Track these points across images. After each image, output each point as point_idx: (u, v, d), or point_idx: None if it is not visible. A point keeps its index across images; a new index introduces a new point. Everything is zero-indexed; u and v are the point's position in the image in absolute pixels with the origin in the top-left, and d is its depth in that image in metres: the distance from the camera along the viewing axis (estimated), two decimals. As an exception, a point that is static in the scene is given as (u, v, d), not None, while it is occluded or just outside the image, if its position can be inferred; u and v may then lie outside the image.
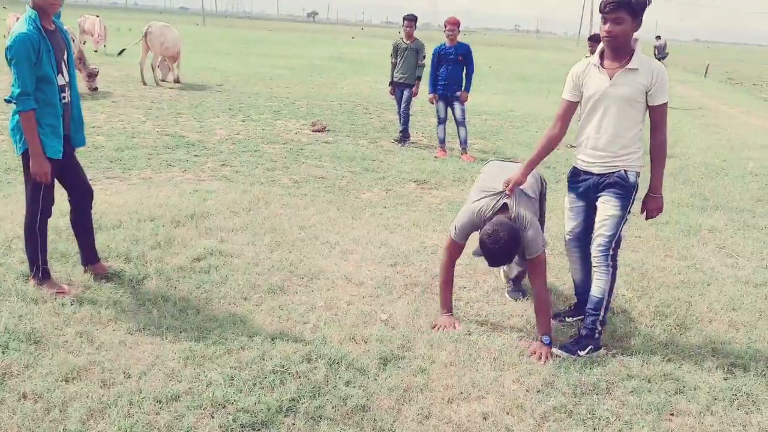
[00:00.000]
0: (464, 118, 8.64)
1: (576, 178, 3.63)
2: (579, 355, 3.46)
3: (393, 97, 9.82)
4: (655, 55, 24.62)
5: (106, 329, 3.49)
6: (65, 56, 3.75)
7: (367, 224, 5.56)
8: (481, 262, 3.68)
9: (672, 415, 3.03)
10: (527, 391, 3.14)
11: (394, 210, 6.07)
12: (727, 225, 6.08)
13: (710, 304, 4.25)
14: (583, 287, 3.81)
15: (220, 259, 4.53)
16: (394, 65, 9.51)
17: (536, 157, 3.67)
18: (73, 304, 3.68)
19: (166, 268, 4.29)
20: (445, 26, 8.58)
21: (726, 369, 3.41)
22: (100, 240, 4.56)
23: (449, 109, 8.74)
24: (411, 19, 9.34)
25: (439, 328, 3.67)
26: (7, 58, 3.51)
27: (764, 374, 3.38)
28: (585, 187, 3.56)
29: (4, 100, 3.61)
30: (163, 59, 14.52)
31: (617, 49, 3.33)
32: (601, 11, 3.31)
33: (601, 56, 3.41)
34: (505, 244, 3.34)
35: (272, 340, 3.43)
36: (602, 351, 3.52)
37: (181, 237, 4.87)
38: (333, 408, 2.89)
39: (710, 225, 6.02)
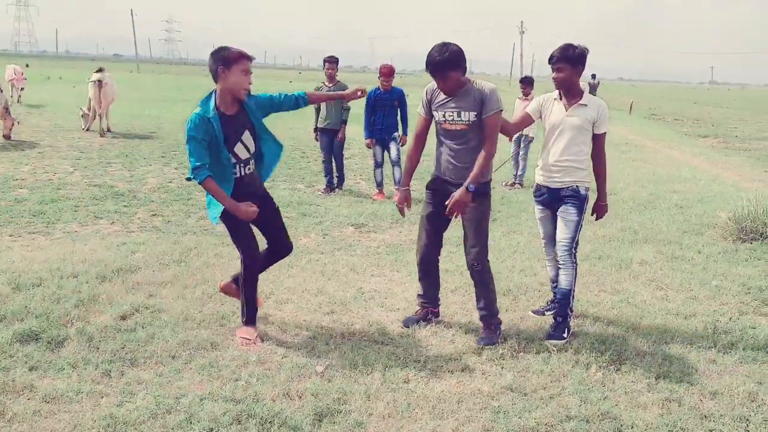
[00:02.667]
0: (399, 159, 8.63)
1: (538, 192, 4.47)
2: (564, 338, 4.18)
3: (318, 143, 9.26)
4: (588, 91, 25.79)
5: (20, 399, 3.25)
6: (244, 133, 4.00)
7: (303, 271, 5.45)
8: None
9: (611, 455, 3.01)
10: (467, 439, 3.07)
11: (332, 255, 5.98)
12: (656, 257, 6.25)
13: (643, 338, 4.31)
14: (556, 283, 4.49)
15: (148, 315, 4.33)
16: (317, 111, 9.02)
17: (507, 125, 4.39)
18: (-16, 373, 3.43)
19: (88, 328, 4.06)
20: (380, 74, 8.58)
21: (661, 405, 3.44)
22: (17, 300, 4.32)
23: (385, 152, 8.84)
24: (332, 62, 8.87)
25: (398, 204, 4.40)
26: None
27: (697, 408, 3.42)
28: (546, 199, 4.39)
29: (186, 178, 3.94)
30: (88, 108, 14.21)
31: (567, 90, 4.23)
32: (549, 62, 4.22)
33: (560, 94, 4.29)
34: (452, 53, 3.89)
35: (201, 400, 3.26)
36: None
37: (106, 293, 4.65)
38: (265, 471, 2.75)
39: (640, 258, 6.17)
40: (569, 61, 4.13)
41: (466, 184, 3.95)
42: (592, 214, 4.49)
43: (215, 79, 3.83)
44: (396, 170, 8.75)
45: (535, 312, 4.72)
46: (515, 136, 10.16)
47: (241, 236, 4.09)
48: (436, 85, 4.08)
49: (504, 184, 10.13)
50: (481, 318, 4.24)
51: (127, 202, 7.80)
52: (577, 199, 4.26)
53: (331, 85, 8.85)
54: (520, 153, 10.24)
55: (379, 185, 8.94)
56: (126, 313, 4.34)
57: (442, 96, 4.05)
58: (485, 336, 4.14)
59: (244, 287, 4.11)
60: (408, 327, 4.37)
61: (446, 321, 4.50)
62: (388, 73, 8.54)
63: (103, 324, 4.14)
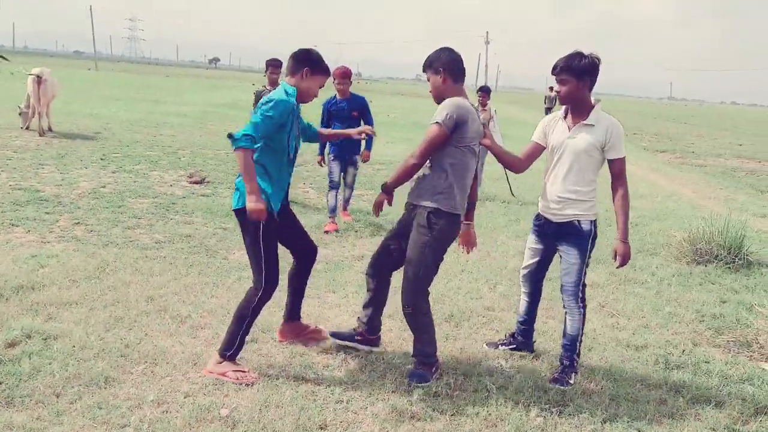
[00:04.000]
0: (354, 182, 7.68)
1: (538, 221, 3.96)
2: (571, 384, 3.74)
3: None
4: (545, 104, 25.78)
5: None
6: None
7: (229, 291, 4.98)
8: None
9: None
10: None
11: (264, 273, 5.52)
12: (609, 280, 5.95)
13: (591, 373, 3.97)
14: (525, 318, 4.19)
15: (39, 342, 3.82)
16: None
17: (503, 154, 3.91)
18: None
19: (-36, 358, 3.55)
20: (334, 78, 7.13)
21: (606, 456, 3.08)
22: None
23: (342, 174, 7.51)
24: (275, 65, 8.02)
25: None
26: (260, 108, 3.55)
27: (646, 460, 3.08)
28: (544, 232, 3.90)
29: (228, 134, 3.53)
30: (27, 105, 13.48)
31: (573, 106, 3.70)
32: (552, 73, 3.68)
33: (567, 111, 3.77)
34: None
35: (75, 453, 2.79)
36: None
37: (-3, 316, 4.12)
38: None
39: (592, 280, 5.86)
40: (574, 72, 3.59)
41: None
42: (614, 258, 3.80)
43: (293, 74, 3.70)
44: (347, 191, 7.66)
45: (489, 344, 4.31)
46: None
47: (269, 255, 3.65)
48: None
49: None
50: (414, 355, 3.83)
51: (51, 208, 7.20)
52: (580, 237, 3.74)
53: (271, 88, 8.19)
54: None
55: (332, 212, 7.32)
56: (15, 340, 3.82)
57: None
58: (417, 372, 3.72)
59: (252, 315, 3.66)
60: (336, 338, 4.01)
61: (382, 350, 4.09)
62: (342, 74, 7.18)
63: (-16, 353, 3.62)
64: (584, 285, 3.85)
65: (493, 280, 5.72)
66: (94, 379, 3.45)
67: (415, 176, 3.81)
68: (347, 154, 7.39)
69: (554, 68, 3.68)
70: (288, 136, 3.65)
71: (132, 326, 4.18)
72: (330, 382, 3.63)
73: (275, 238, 3.70)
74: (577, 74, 3.60)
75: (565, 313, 3.89)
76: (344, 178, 7.56)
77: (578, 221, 3.73)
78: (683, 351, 4.43)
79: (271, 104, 3.52)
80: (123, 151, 11.89)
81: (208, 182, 9.50)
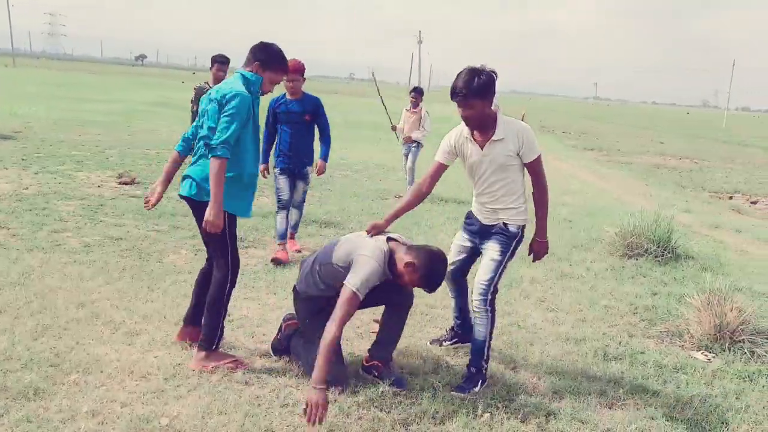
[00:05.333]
0: (304, 201, 6.46)
1: (469, 219, 3.93)
2: (474, 392, 3.60)
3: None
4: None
5: None
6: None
7: (165, 295, 4.80)
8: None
9: None
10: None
11: (201, 275, 5.35)
12: (547, 275, 6.07)
13: (534, 367, 4.03)
14: (458, 312, 4.20)
15: (-40, 355, 3.57)
16: (195, 114, 7.36)
17: (401, 209, 3.85)
18: None
19: None
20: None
21: (552, 449, 3.13)
22: None
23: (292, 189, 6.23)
24: (222, 62, 7.42)
25: (309, 411, 3.01)
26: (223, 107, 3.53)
27: (590, 451, 3.14)
28: (474, 229, 3.85)
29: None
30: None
31: (479, 126, 3.58)
32: (452, 98, 3.50)
33: (471, 133, 3.64)
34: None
35: (3, 472, 2.62)
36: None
37: None
38: None
39: (531, 276, 5.97)
40: (477, 94, 3.42)
41: None
42: (529, 254, 3.91)
43: (245, 66, 3.71)
44: (295, 212, 6.34)
45: (432, 342, 4.32)
46: (404, 144, 9.97)
47: (233, 241, 3.71)
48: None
49: (395, 195, 9.84)
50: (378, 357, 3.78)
51: (-32, 211, 6.79)
52: (505, 236, 3.70)
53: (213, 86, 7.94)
54: (408, 163, 10.07)
55: (282, 237, 6.12)
56: (-68, 353, 3.56)
57: None
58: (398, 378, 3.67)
59: (226, 301, 3.74)
60: (274, 355, 3.90)
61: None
62: (294, 68, 5.75)
63: None
64: (496, 290, 3.74)
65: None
66: (22, 391, 3.24)
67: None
68: (296, 166, 6.16)
69: (454, 94, 3.48)
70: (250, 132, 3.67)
71: (62, 334, 3.96)
72: (274, 387, 3.54)
73: (235, 224, 3.74)
74: (481, 95, 3.44)
75: (474, 318, 3.76)
76: (292, 196, 6.26)
77: (505, 224, 3.72)
78: (620, 343, 4.55)
79: (236, 100, 3.50)
80: (46, 151, 11.36)
81: (139, 183, 9.18)
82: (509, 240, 3.71)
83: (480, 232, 3.83)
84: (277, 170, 6.15)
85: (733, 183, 15.91)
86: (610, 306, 5.32)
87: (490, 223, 3.76)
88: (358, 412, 3.32)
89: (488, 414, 3.38)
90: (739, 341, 4.50)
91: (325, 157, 6.34)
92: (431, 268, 3.44)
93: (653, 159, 21.05)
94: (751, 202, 13.33)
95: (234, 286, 3.75)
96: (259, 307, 4.75)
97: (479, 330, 3.70)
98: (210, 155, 3.47)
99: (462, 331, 4.25)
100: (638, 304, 5.38)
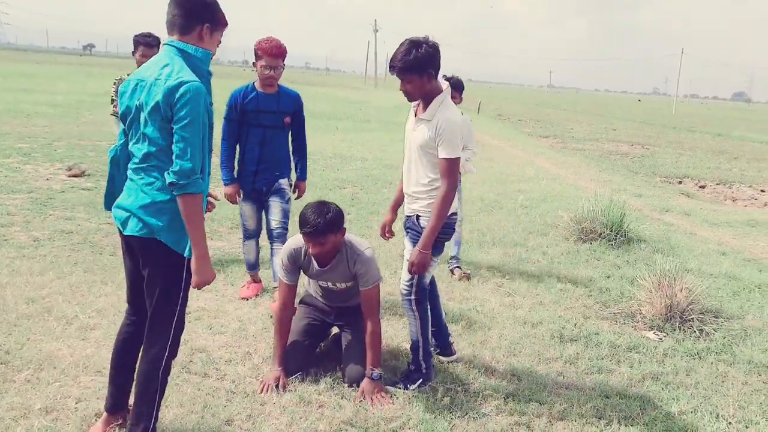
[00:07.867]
0: (286, 229, 4.58)
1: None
2: (409, 389, 3.46)
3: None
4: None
5: None
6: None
7: (119, 288, 4.69)
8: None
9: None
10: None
11: (157, 268, 5.25)
12: (504, 261, 6.15)
13: (492, 351, 4.09)
14: (433, 319, 3.76)
15: None
16: (116, 115, 5.76)
17: (399, 197, 3.77)
18: None
19: None
20: (259, 55, 4.38)
21: (511, 431, 3.18)
22: None
23: (264, 213, 4.68)
24: (148, 44, 5.63)
25: (263, 389, 3.35)
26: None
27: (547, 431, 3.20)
28: (407, 226, 3.57)
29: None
30: None
31: (417, 100, 3.39)
32: (390, 71, 3.32)
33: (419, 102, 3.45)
34: (331, 217, 3.30)
35: (-48, 474, 2.53)
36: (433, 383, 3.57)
37: None
38: None
39: (488, 262, 6.04)
40: (414, 69, 3.20)
41: None
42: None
43: (184, 33, 2.60)
44: (276, 247, 4.51)
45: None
46: None
47: (185, 295, 2.67)
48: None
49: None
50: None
51: None
52: (415, 231, 3.41)
53: None
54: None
55: (252, 268, 4.89)
56: None
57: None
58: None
59: (165, 379, 2.68)
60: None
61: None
62: (280, 52, 4.40)
63: None
64: (422, 289, 3.48)
65: (393, 266, 5.76)
66: (-30, 391, 3.15)
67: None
68: (266, 183, 4.58)
69: (392, 67, 3.27)
70: (207, 137, 2.62)
71: (11, 331, 3.85)
72: (234, 377, 3.51)
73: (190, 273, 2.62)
74: (418, 70, 3.21)
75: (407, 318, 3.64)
76: (268, 222, 4.60)
77: (417, 216, 3.42)
78: (575, 325, 4.65)
79: (190, 99, 2.43)
80: (-9, 144, 10.95)
81: (89, 175, 8.93)
82: (420, 236, 3.37)
83: (406, 227, 3.54)
84: (238, 188, 4.63)
85: (682, 168, 16.37)
86: (566, 289, 5.43)
87: (408, 214, 3.50)
88: (318, 399, 3.32)
89: (448, 398, 3.42)
90: (689, 320, 4.66)
91: (303, 175, 4.84)
92: (301, 215, 3.37)
93: (606, 145, 21.49)
94: (700, 186, 13.75)
95: (175, 357, 2.71)
96: (216, 299, 4.69)
97: (411, 330, 3.58)
98: (175, 193, 2.45)
99: (437, 340, 3.90)
100: (593, 287, 5.50)
